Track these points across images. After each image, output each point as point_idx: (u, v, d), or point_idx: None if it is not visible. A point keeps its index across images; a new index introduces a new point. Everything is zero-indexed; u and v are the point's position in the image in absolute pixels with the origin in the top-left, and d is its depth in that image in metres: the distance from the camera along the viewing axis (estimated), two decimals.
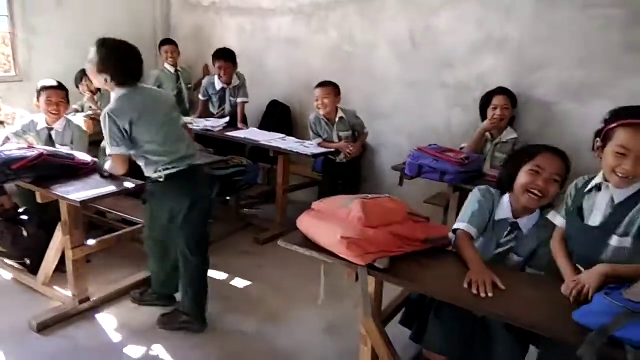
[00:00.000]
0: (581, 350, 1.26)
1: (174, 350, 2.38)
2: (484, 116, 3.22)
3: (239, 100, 4.29)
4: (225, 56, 4.16)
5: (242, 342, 2.47)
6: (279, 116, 4.52)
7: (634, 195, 1.57)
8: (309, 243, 1.81)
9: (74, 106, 4.21)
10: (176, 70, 4.67)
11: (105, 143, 2.25)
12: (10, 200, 3.31)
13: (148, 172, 2.34)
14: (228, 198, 3.92)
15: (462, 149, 3.11)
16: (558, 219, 1.78)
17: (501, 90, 3.15)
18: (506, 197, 1.92)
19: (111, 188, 2.39)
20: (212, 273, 3.10)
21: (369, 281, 1.74)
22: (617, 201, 1.60)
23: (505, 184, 1.93)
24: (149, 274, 2.76)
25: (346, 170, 3.75)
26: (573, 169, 1.87)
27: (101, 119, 2.21)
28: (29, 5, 4.11)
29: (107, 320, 2.59)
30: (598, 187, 1.66)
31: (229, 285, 3.04)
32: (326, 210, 1.83)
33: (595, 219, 1.64)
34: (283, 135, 3.92)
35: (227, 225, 3.80)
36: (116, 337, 2.46)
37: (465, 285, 1.56)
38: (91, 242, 2.64)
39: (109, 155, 2.28)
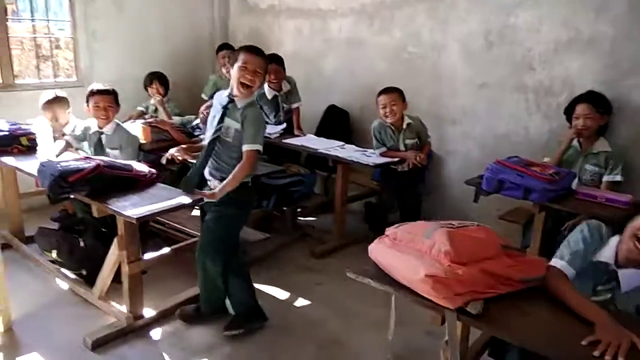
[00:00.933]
0: None
1: None
2: (570, 123, 2.87)
3: (294, 105, 4.06)
4: (275, 60, 3.97)
5: None
6: (337, 122, 4.31)
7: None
8: (383, 275, 1.59)
9: (139, 107, 4.24)
10: None
11: (249, 137, 2.30)
12: (72, 206, 3.31)
13: None
14: (284, 208, 3.75)
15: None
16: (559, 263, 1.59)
17: (586, 98, 2.79)
18: (615, 239, 1.64)
19: (168, 203, 2.26)
20: (268, 289, 2.97)
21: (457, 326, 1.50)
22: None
23: (621, 225, 1.63)
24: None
25: (407, 180, 3.48)
26: None
27: (254, 113, 2.33)
28: (90, 10, 4.13)
29: (163, 339, 2.48)
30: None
31: (286, 303, 2.87)
32: (404, 239, 1.60)
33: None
34: (342, 143, 3.70)
35: (283, 237, 3.63)
36: (172, 358, 2.34)
37: (597, 354, 1.26)
38: (148, 256, 2.54)
39: (249, 150, 2.30)
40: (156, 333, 2.51)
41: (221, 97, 2.41)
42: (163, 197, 2.34)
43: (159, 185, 2.53)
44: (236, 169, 2.28)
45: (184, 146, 3.35)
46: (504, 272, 1.47)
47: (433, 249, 1.48)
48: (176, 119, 4.02)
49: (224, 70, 4.48)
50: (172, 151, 3.30)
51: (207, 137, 2.42)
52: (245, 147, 2.30)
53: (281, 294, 2.95)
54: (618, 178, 2.73)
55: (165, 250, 2.71)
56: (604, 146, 2.80)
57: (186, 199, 2.30)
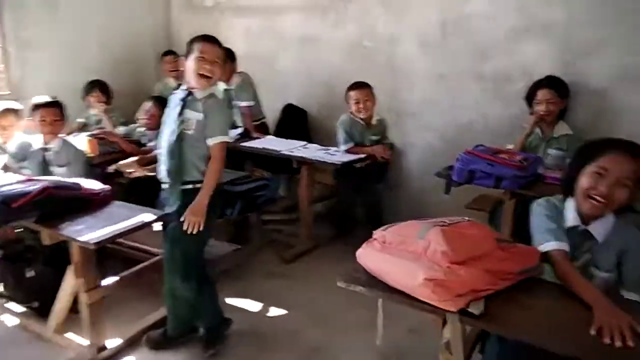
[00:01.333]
0: None
1: None
2: (532, 110, 2.90)
3: (242, 103, 3.80)
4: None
5: None
6: (295, 121, 4.19)
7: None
8: (375, 282, 1.50)
9: (79, 120, 3.93)
10: (179, 85, 4.30)
11: (215, 128, 2.13)
12: (13, 231, 3.00)
13: (197, 174, 2.15)
14: (248, 215, 3.60)
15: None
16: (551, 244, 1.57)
17: (546, 83, 2.83)
18: (570, 203, 1.65)
19: (129, 223, 2.06)
20: (239, 301, 2.81)
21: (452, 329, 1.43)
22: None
23: (568, 187, 1.65)
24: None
25: (366, 176, 3.39)
26: None
27: (217, 103, 2.17)
28: (20, 17, 3.79)
29: None
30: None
31: (260, 315, 2.72)
32: (395, 241, 1.51)
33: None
34: (304, 143, 3.59)
35: (249, 245, 3.48)
36: None
37: (593, 332, 1.25)
38: (108, 281, 2.33)
39: (216, 143, 2.13)
40: None
41: (177, 94, 2.23)
42: (122, 216, 2.15)
43: (116, 203, 2.33)
44: (208, 171, 2.12)
45: (135, 158, 3.16)
46: (502, 267, 1.41)
47: (429, 250, 1.39)
48: (121, 129, 3.77)
49: (170, 79, 4.25)
50: (123, 165, 3.10)
51: (164, 135, 2.19)
52: (212, 141, 2.12)
53: (253, 305, 2.80)
54: None
55: (127, 272, 2.49)
56: (564, 129, 2.85)
57: (149, 216, 2.12)
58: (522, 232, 2.67)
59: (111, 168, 3.14)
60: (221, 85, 3.21)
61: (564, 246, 1.57)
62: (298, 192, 3.50)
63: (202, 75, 2.10)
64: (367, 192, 3.47)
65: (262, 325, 2.62)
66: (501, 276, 1.41)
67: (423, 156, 3.61)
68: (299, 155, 3.30)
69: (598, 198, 1.53)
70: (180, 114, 2.12)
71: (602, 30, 2.79)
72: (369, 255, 1.54)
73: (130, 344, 2.41)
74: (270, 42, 4.25)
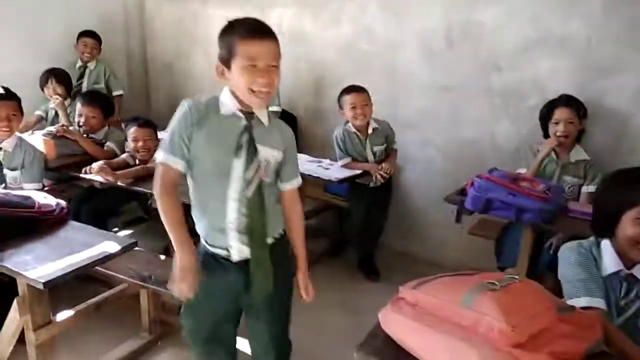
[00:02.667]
0: None
1: None
2: (545, 130, 2.66)
3: None
4: None
5: None
6: None
7: None
8: (403, 357, 1.19)
9: (37, 112, 3.51)
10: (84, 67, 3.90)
11: (295, 167, 1.64)
12: None
13: (280, 225, 1.61)
14: None
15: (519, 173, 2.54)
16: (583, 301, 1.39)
17: (565, 101, 2.57)
18: (607, 245, 1.44)
19: (89, 255, 1.69)
20: None
21: None
22: None
23: (604, 229, 1.46)
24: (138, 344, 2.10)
25: (377, 195, 3.10)
26: None
27: (289, 130, 1.61)
28: None
29: None
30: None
31: None
32: (431, 307, 1.20)
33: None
34: None
35: None
36: None
37: None
38: (62, 315, 1.94)
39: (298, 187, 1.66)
40: None
41: (212, 116, 1.46)
42: (80, 244, 1.78)
43: (72, 225, 1.96)
44: (298, 218, 1.64)
45: (102, 163, 2.76)
46: (568, 348, 1.12)
47: (480, 326, 1.10)
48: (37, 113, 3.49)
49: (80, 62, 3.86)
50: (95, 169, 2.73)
51: (215, 182, 1.47)
52: (295, 183, 1.61)
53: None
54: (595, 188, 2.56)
55: (84, 304, 2.11)
56: (581, 154, 2.62)
57: (113, 245, 1.75)
58: (533, 266, 2.46)
59: (88, 177, 2.75)
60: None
61: (599, 303, 1.38)
62: None
63: (259, 92, 1.40)
64: (376, 212, 3.12)
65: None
66: (565, 357, 1.13)
67: (423, 172, 3.33)
68: None
69: None
70: (250, 152, 1.45)
71: (625, 49, 2.57)
72: (398, 323, 1.22)
73: None
74: None
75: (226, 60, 1.41)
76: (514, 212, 2.15)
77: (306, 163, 3.04)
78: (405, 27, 3.19)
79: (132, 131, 2.86)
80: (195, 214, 1.53)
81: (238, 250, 1.49)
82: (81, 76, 3.88)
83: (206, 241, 1.54)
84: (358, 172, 2.98)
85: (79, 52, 3.86)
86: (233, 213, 1.45)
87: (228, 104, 1.45)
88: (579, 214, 2.18)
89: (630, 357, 1.26)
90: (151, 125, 2.92)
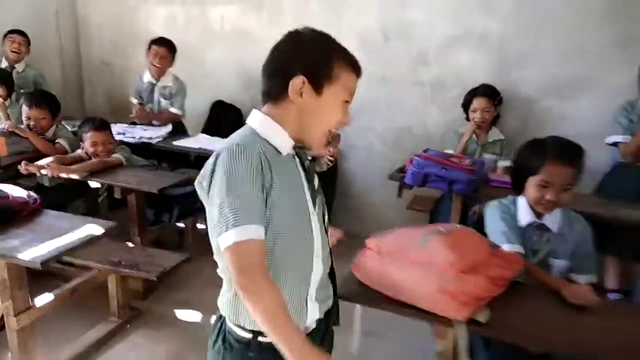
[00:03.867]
0: None
1: None
2: (468, 116, 3.07)
3: (173, 110, 3.75)
4: (165, 44, 3.64)
5: None
6: (225, 120, 4.00)
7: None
8: (375, 297, 1.47)
9: None
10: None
11: None
12: None
13: None
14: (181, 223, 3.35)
15: None
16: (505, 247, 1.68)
17: (482, 92, 3.01)
18: (522, 200, 1.79)
19: (75, 236, 1.80)
20: (185, 313, 2.64)
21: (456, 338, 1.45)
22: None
23: (518, 189, 1.80)
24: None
25: (324, 179, 3.37)
26: None
27: None
28: None
29: None
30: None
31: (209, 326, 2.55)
32: (394, 250, 1.49)
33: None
34: None
35: (187, 252, 3.25)
36: None
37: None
38: (41, 300, 2.02)
39: None
40: None
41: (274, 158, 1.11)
42: (63, 229, 1.87)
43: (50, 213, 2.03)
44: None
45: (51, 159, 2.79)
46: (500, 273, 1.46)
47: (434, 260, 1.40)
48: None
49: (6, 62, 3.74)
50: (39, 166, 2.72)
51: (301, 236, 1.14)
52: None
53: (197, 316, 2.64)
54: (508, 163, 3.01)
55: (61, 289, 2.20)
56: (497, 135, 3.06)
57: (97, 229, 1.87)
58: None
59: (22, 168, 2.71)
60: None
61: (518, 248, 1.69)
62: None
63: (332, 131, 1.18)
64: (327, 192, 3.39)
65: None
66: (499, 282, 1.47)
67: (364, 157, 3.65)
68: None
69: (547, 205, 1.69)
70: (315, 194, 1.18)
71: (534, 43, 3.03)
72: (369, 268, 1.51)
73: None
74: (197, 35, 4.01)
75: (319, 82, 1.08)
76: (447, 183, 2.51)
77: None
78: (344, 24, 3.49)
79: (89, 135, 2.85)
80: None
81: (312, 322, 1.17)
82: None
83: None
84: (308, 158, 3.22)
85: (6, 50, 3.70)
86: (318, 275, 1.15)
87: (282, 141, 1.11)
88: (498, 183, 2.58)
89: (544, 283, 1.61)
90: (107, 126, 2.95)
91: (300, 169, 1.15)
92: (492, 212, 1.83)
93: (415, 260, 1.43)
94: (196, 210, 3.21)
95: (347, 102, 1.15)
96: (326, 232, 1.20)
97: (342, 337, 1.39)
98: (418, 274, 1.39)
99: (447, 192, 2.69)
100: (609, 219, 2.25)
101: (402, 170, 2.77)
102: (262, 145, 1.07)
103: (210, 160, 1.06)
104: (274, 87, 1.11)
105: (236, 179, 1.01)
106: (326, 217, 1.21)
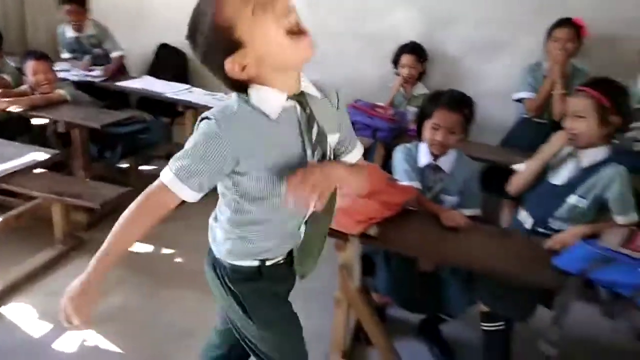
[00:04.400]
0: (562, 293, 1.47)
1: (115, 336, 2.14)
2: (398, 72, 3.34)
3: (114, 54, 3.81)
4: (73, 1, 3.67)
5: (190, 314, 2.30)
6: (171, 63, 4.09)
7: (599, 162, 1.86)
8: None
9: None
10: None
11: None
12: None
13: None
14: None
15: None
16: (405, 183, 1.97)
17: (410, 49, 3.27)
18: (423, 145, 2.09)
19: (21, 161, 1.95)
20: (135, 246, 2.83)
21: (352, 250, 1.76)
22: (584, 165, 1.88)
23: (419, 134, 2.11)
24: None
25: None
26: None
27: None
28: None
29: (21, 313, 2.21)
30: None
31: (155, 256, 2.76)
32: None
33: (559, 178, 1.89)
34: (188, 86, 3.58)
35: (131, 191, 3.41)
36: (38, 332, 2.12)
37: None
38: None
39: None
40: (11, 309, 2.23)
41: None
42: (9, 155, 2.01)
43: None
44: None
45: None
46: (392, 199, 1.77)
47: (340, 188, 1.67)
48: None
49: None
50: None
51: None
52: (357, 153, 1.36)
53: (145, 247, 2.82)
54: None
55: (7, 214, 2.34)
56: (422, 90, 3.35)
57: (42, 155, 2.02)
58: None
59: None
60: None
61: (416, 184, 2.00)
62: (182, 138, 3.51)
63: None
64: None
65: (159, 265, 2.68)
66: (390, 207, 1.77)
67: None
68: (185, 99, 3.29)
69: (437, 146, 2.00)
70: (318, 142, 1.18)
71: (457, 6, 3.30)
72: None
73: (13, 289, 2.31)
74: None
75: (236, 42, 1.00)
76: (372, 131, 2.80)
77: (202, 96, 3.40)
78: None
79: (30, 65, 2.93)
80: (243, 235, 1.21)
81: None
82: None
83: (263, 260, 1.24)
84: None
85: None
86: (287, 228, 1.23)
87: (271, 100, 1.07)
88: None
89: (432, 211, 1.90)
90: (47, 57, 3.02)
91: (301, 118, 1.10)
92: (397, 155, 2.12)
93: None
94: (139, 149, 3.36)
95: (290, 32, 0.99)
96: None
97: None
98: None
99: (374, 140, 2.98)
100: (503, 165, 2.60)
101: None
102: (246, 114, 1.05)
103: (199, 118, 1.07)
104: (225, 82, 1.07)
105: (201, 150, 1.04)
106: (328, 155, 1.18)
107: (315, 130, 1.12)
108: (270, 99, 1.06)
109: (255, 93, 1.06)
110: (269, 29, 0.98)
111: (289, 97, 1.08)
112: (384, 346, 1.90)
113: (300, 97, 1.11)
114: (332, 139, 1.20)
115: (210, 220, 1.33)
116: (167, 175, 1.08)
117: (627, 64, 2.78)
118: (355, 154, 1.30)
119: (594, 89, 1.82)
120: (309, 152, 1.13)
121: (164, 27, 4.04)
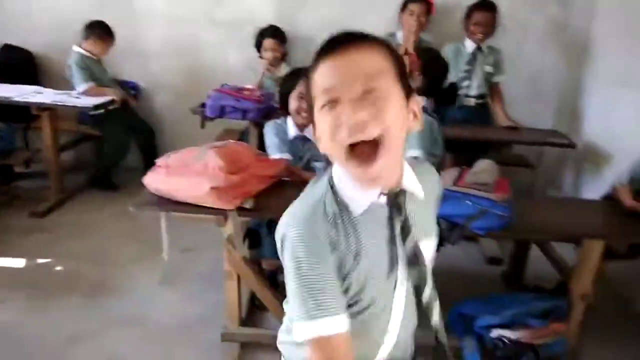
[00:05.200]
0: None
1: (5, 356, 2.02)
2: (262, 54, 3.45)
3: None
4: None
5: (75, 320, 2.24)
6: (16, 65, 3.76)
7: None
8: (165, 201, 1.80)
9: None
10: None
11: None
12: None
13: None
14: None
15: None
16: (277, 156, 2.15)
17: (270, 33, 3.40)
18: (289, 119, 2.27)
19: None
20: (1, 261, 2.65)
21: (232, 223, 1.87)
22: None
23: (285, 109, 2.27)
24: None
25: (131, 116, 3.52)
26: None
27: None
28: None
29: None
30: None
31: (29, 269, 2.62)
32: (177, 165, 1.82)
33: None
34: (38, 88, 3.35)
35: None
36: None
37: None
38: None
39: None
40: None
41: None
42: None
43: None
44: None
45: None
46: (263, 172, 1.90)
47: (208, 167, 1.77)
48: None
49: None
50: None
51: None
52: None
53: (17, 262, 2.67)
54: None
55: None
56: (284, 70, 3.51)
57: None
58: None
59: None
60: None
61: (287, 156, 2.17)
62: (40, 142, 3.29)
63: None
64: (142, 130, 3.65)
65: (33, 276, 2.56)
66: (262, 180, 1.91)
67: (168, 94, 3.83)
68: (37, 101, 3.09)
69: (304, 114, 2.16)
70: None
71: None
72: (157, 180, 1.81)
73: None
74: None
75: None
76: (241, 113, 2.90)
77: (55, 96, 3.20)
78: None
79: None
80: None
81: None
82: None
83: None
84: (109, 99, 3.30)
85: None
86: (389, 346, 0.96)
87: (352, 198, 0.87)
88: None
89: (303, 178, 2.04)
90: None
91: (391, 225, 0.88)
92: (268, 130, 2.27)
93: (194, 170, 1.78)
94: None
95: (324, 106, 0.82)
96: (420, 306, 0.92)
97: None
98: (197, 180, 1.74)
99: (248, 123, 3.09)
100: None
101: (203, 105, 3.06)
102: (333, 206, 0.86)
103: (277, 236, 0.90)
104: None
105: (305, 265, 0.82)
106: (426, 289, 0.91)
107: (415, 242, 0.88)
108: (346, 191, 0.87)
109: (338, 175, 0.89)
110: None
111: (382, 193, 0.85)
112: (277, 310, 2.05)
113: (395, 200, 0.87)
114: (429, 245, 0.95)
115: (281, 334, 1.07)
116: (305, 329, 0.83)
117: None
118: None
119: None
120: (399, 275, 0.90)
121: (6, 28, 3.70)
